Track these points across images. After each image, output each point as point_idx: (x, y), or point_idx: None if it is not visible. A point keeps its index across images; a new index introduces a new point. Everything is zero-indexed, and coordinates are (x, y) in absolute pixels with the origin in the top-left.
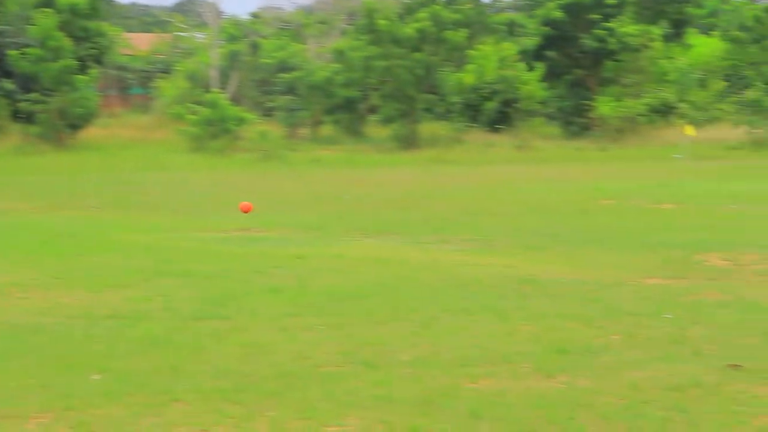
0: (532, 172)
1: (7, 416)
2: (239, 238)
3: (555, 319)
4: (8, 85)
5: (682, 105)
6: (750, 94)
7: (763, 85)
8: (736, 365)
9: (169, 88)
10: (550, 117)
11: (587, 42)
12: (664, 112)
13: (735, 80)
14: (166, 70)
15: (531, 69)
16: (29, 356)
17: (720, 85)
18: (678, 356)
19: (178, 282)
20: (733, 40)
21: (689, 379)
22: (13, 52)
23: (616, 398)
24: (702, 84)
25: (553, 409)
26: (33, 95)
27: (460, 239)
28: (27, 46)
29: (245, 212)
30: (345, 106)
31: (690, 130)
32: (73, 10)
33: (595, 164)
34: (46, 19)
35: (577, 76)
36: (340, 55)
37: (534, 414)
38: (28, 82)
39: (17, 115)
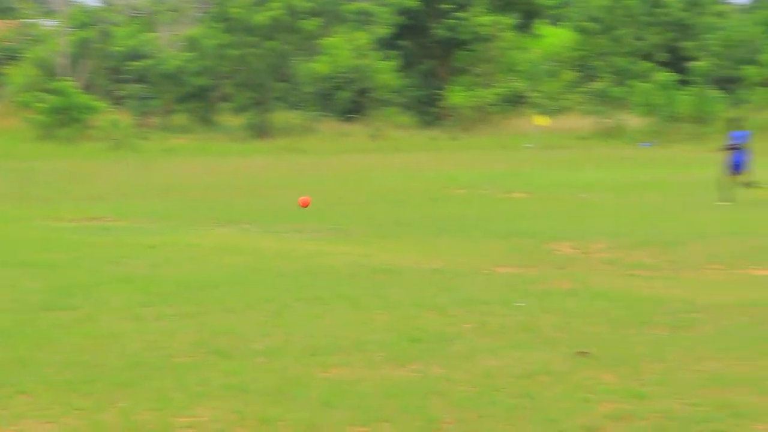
0: (386, 161)
1: None
2: (89, 228)
3: (409, 308)
4: None
5: (532, 95)
6: (598, 84)
7: (612, 76)
8: (584, 352)
9: (17, 75)
10: (404, 106)
11: (439, 31)
12: (515, 101)
13: (584, 71)
14: (13, 57)
15: (385, 58)
16: None
17: (570, 75)
18: (529, 344)
19: (26, 272)
20: (583, 31)
21: (539, 367)
22: None
23: (468, 386)
24: (552, 74)
25: (406, 397)
26: None
27: (314, 228)
28: None
29: (304, 207)
30: (198, 95)
31: (541, 120)
32: None
33: (447, 153)
34: None
35: (429, 65)
36: (192, 43)
37: (387, 402)
38: None
39: None
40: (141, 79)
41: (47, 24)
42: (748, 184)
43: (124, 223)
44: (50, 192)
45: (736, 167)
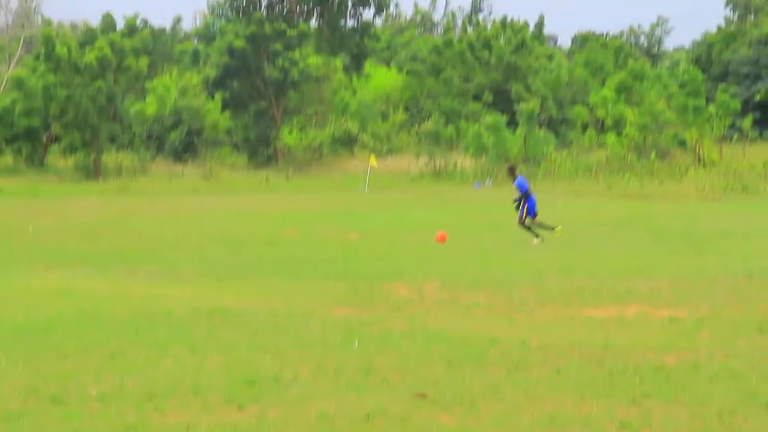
0: (219, 202)
1: None
2: None
3: (245, 351)
4: None
5: (364, 136)
6: (429, 125)
7: (442, 117)
8: (422, 394)
9: None
10: (237, 147)
11: (269, 72)
12: (347, 142)
13: (415, 111)
14: None
15: (215, 99)
16: None
17: (401, 116)
18: (366, 386)
19: None
20: (410, 72)
21: (377, 409)
22: None
23: (305, 429)
24: (383, 115)
25: None
26: None
27: (148, 270)
28: None
29: (441, 242)
30: (26, 136)
31: (373, 161)
32: None
33: (281, 194)
34: None
35: (261, 106)
36: (18, 83)
37: None
38: None
39: None
40: None
41: None
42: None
43: None
44: None
45: (532, 211)
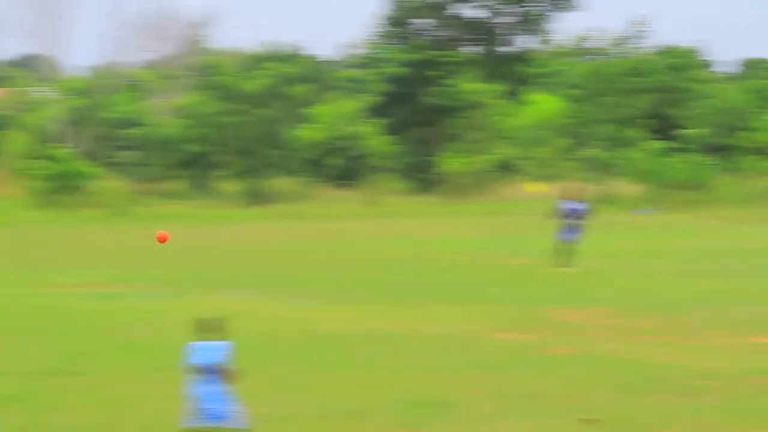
0: (382, 227)
1: None
2: (90, 294)
3: (412, 373)
4: None
5: (524, 162)
6: (589, 151)
7: (601, 143)
8: (590, 419)
9: (12, 142)
10: (397, 172)
11: (429, 99)
12: (507, 168)
13: (575, 137)
14: (7, 124)
15: (375, 125)
16: None
17: (561, 142)
18: (532, 410)
19: (28, 339)
20: (569, 98)
21: None
22: None
23: None
24: (543, 141)
25: None
26: None
27: (314, 293)
28: None
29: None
30: (193, 162)
31: (535, 187)
32: None
33: (442, 219)
34: None
35: (421, 132)
36: (187, 110)
37: None
38: None
39: None
40: (137, 146)
41: (42, 92)
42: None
43: (127, 289)
44: (50, 259)
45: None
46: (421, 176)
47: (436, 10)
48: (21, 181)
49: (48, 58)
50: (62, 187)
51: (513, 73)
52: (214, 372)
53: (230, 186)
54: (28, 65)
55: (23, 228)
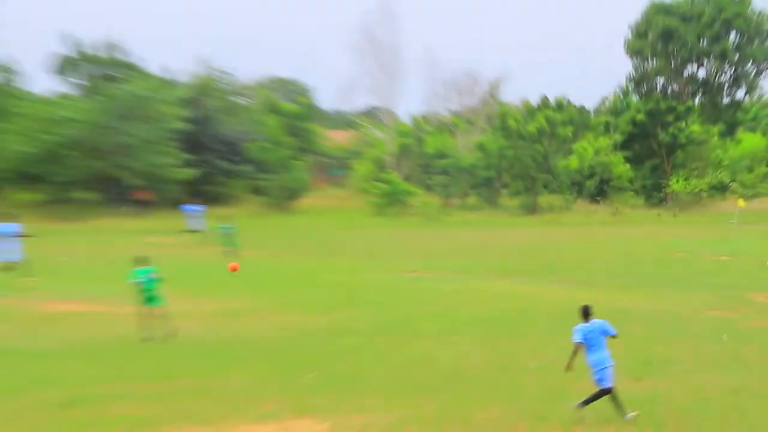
0: (622, 231)
1: (248, 401)
2: (408, 277)
3: (641, 339)
4: (248, 168)
5: (734, 184)
6: None
7: None
8: None
9: (358, 169)
10: (636, 192)
11: (662, 137)
12: (721, 189)
13: None
14: (356, 157)
15: (620, 157)
16: (263, 359)
17: (764, 169)
18: (733, 368)
19: (367, 309)
20: None
21: (742, 385)
22: (250, 145)
23: (685, 397)
24: (750, 168)
25: (639, 405)
26: (264, 175)
27: (568, 279)
28: (260, 140)
29: (233, 271)
30: (484, 184)
31: (741, 203)
32: (292, 115)
33: (669, 227)
34: (272, 122)
35: (655, 162)
36: (481, 146)
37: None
38: (261, 166)
39: (254, 190)
40: (444, 172)
41: (378, 133)
42: None
43: (433, 275)
44: (381, 252)
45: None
46: (654, 195)
47: (671, 71)
48: (364, 197)
49: (384, 109)
50: (392, 202)
51: (728, 118)
52: (601, 343)
53: (512, 201)
54: (369, 114)
55: (366, 231)
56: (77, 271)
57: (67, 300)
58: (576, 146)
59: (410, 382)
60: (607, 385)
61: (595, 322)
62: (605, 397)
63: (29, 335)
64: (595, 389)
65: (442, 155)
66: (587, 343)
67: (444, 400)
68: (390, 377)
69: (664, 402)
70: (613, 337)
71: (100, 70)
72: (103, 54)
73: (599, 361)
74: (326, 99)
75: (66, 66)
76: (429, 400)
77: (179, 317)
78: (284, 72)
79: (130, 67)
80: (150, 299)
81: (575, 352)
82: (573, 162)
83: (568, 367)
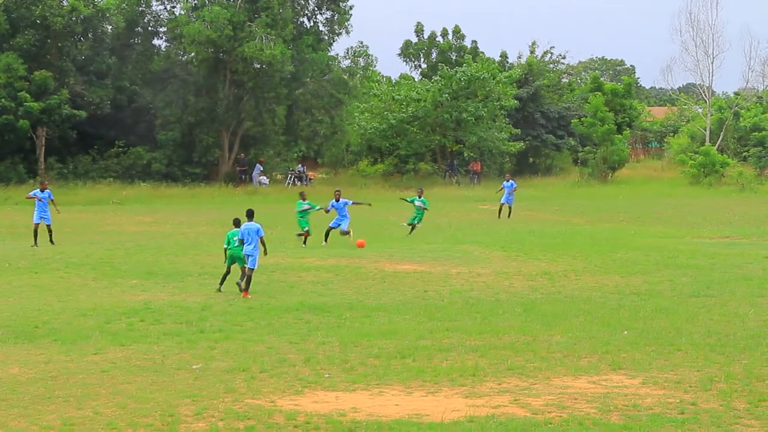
0: None
1: (566, 356)
2: (721, 243)
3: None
4: (572, 141)
5: None
6: None
7: None
8: None
9: (675, 143)
10: None
11: None
12: None
13: None
14: (673, 131)
15: None
16: (581, 317)
17: None
18: None
19: (679, 272)
20: None
21: None
22: (575, 121)
23: None
24: None
25: None
26: (587, 148)
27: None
28: (583, 116)
29: (360, 246)
30: None
31: None
32: (614, 92)
33: None
34: (596, 99)
35: None
36: None
37: None
38: (583, 140)
39: (576, 161)
40: (760, 144)
41: (696, 109)
42: None
43: (746, 241)
44: (696, 219)
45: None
46: None
47: None
48: (680, 169)
49: (702, 85)
50: (707, 172)
51: None
52: None
53: None
54: (688, 90)
55: (681, 199)
56: (414, 236)
57: (402, 261)
58: None
59: (719, 341)
60: None
61: None
62: None
63: (375, 292)
64: None
65: (758, 128)
66: None
67: (753, 357)
68: (699, 336)
69: None
70: None
71: (441, 55)
72: (445, 41)
73: None
74: (647, 77)
75: (412, 51)
76: (738, 358)
77: (504, 277)
78: (609, 53)
79: (469, 51)
80: None
81: None
82: None
83: None
